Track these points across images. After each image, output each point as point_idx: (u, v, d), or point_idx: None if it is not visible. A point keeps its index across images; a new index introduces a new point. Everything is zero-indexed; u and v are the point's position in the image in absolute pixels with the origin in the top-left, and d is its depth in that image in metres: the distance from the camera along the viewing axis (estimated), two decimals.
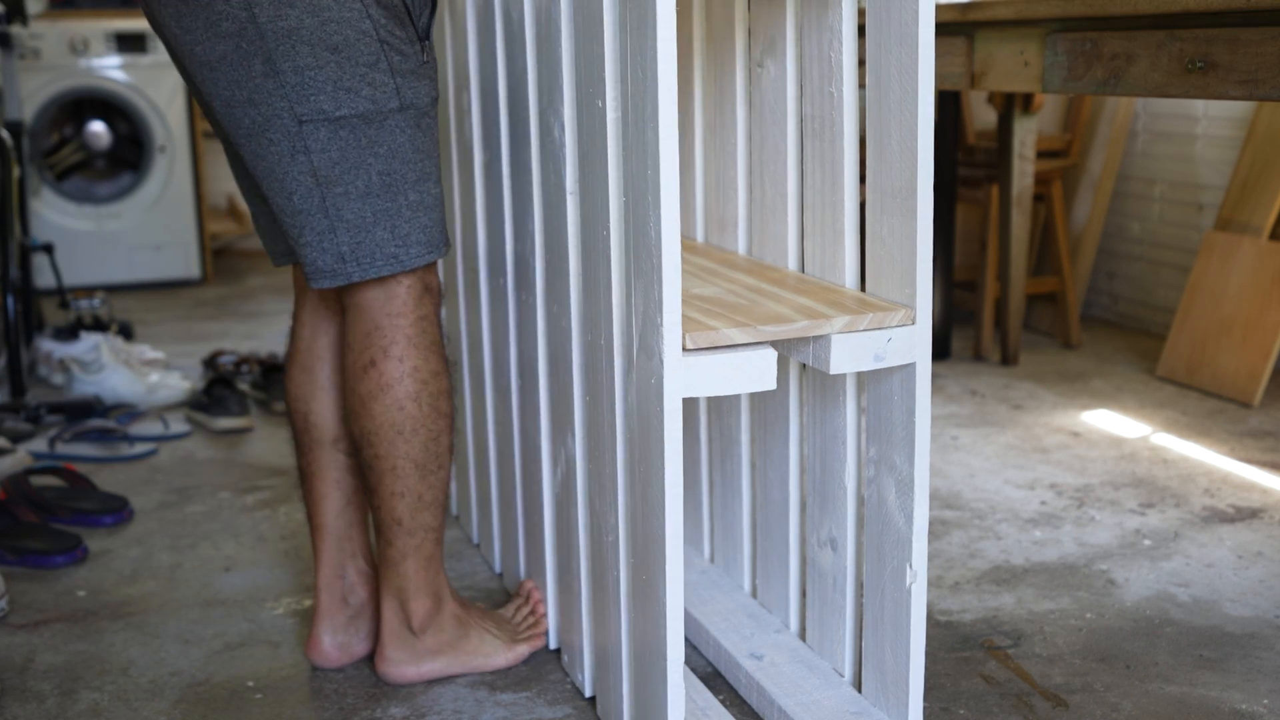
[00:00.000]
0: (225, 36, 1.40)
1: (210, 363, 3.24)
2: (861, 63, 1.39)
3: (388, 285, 1.53)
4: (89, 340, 3.20)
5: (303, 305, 1.69)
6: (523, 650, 1.71)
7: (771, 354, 1.27)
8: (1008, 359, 3.26)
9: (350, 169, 1.45)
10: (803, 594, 1.67)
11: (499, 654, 1.69)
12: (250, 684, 1.68)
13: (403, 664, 1.65)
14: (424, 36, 1.50)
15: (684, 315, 1.30)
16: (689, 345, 1.25)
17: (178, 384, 3.04)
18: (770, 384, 1.27)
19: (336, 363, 1.68)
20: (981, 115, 3.85)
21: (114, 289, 4.52)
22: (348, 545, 1.72)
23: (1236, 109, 3.20)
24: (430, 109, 1.51)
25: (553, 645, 1.75)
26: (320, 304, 1.67)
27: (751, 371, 1.27)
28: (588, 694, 1.62)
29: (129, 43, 4.42)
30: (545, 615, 1.74)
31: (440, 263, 1.60)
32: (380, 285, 1.53)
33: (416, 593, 1.64)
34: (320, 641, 1.70)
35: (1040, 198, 3.58)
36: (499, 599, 1.92)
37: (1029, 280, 3.37)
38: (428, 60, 1.51)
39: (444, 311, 2.15)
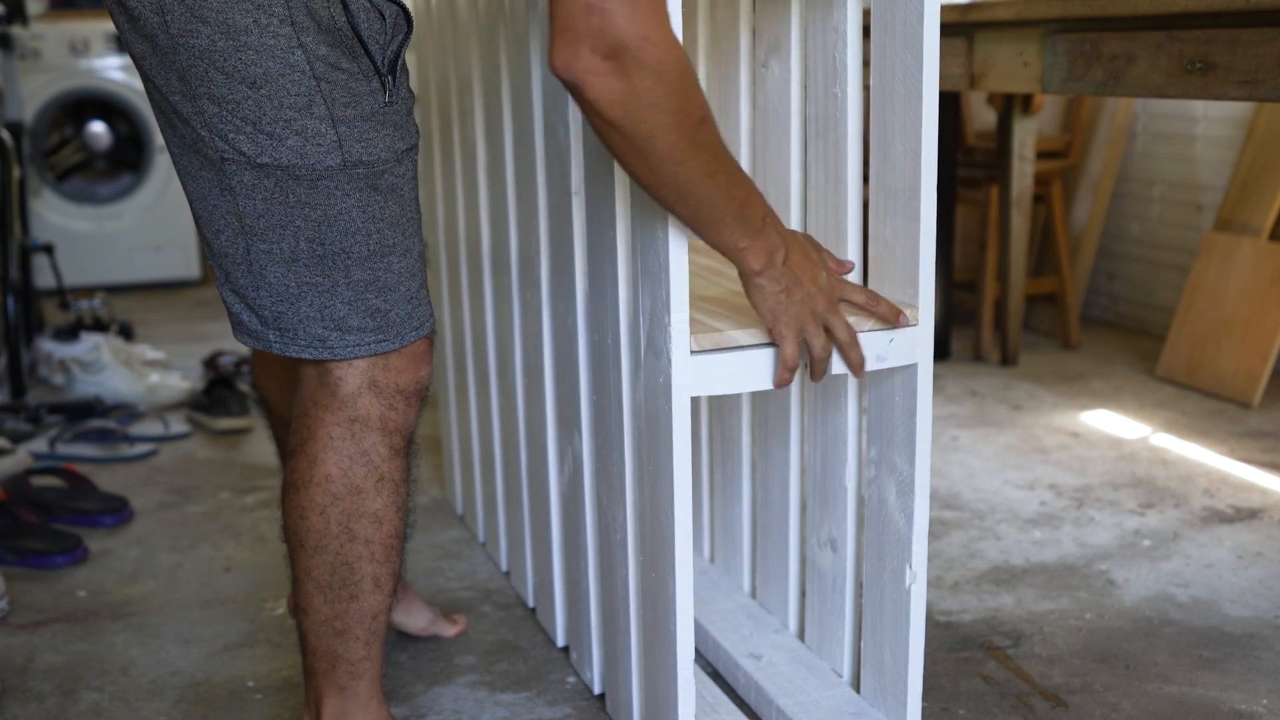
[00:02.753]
0: (144, 37, 1.16)
1: (210, 363, 3.24)
2: (866, 63, 1.39)
3: (321, 367, 1.26)
4: (89, 341, 3.20)
5: None
6: None
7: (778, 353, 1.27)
8: (1007, 359, 3.26)
9: (276, 226, 1.18)
10: (802, 594, 1.67)
11: None
12: (250, 684, 1.68)
13: None
14: (387, 70, 1.18)
15: (690, 317, 1.31)
16: (694, 348, 1.25)
17: (178, 384, 3.04)
18: None
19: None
20: (981, 116, 3.85)
21: (114, 289, 4.52)
22: None
23: (1236, 109, 3.21)
24: (397, 163, 1.21)
25: (560, 643, 1.75)
26: None
27: (759, 370, 1.27)
28: (597, 691, 1.62)
29: None
30: None
31: (422, 354, 1.31)
32: (317, 367, 1.26)
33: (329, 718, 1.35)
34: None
35: (1040, 198, 3.59)
36: (505, 599, 1.92)
37: (1029, 281, 3.38)
38: (392, 101, 1.19)
39: (444, 306, 2.15)
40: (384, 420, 1.27)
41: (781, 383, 1.26)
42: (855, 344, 1.26)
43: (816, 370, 1.27)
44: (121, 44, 1.35)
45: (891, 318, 1.29)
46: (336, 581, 1.29)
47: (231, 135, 1.15)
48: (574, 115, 1.44)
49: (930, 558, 2.03)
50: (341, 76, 1.14)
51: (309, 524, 1.28)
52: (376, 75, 1.17)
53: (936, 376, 3.13)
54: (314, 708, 1.36)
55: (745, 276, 1.22)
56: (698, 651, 1.71)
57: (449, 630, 1.80)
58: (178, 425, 2.83)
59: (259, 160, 1.15)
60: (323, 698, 1.35)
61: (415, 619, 1.78)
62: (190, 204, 1.24)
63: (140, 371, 3.06)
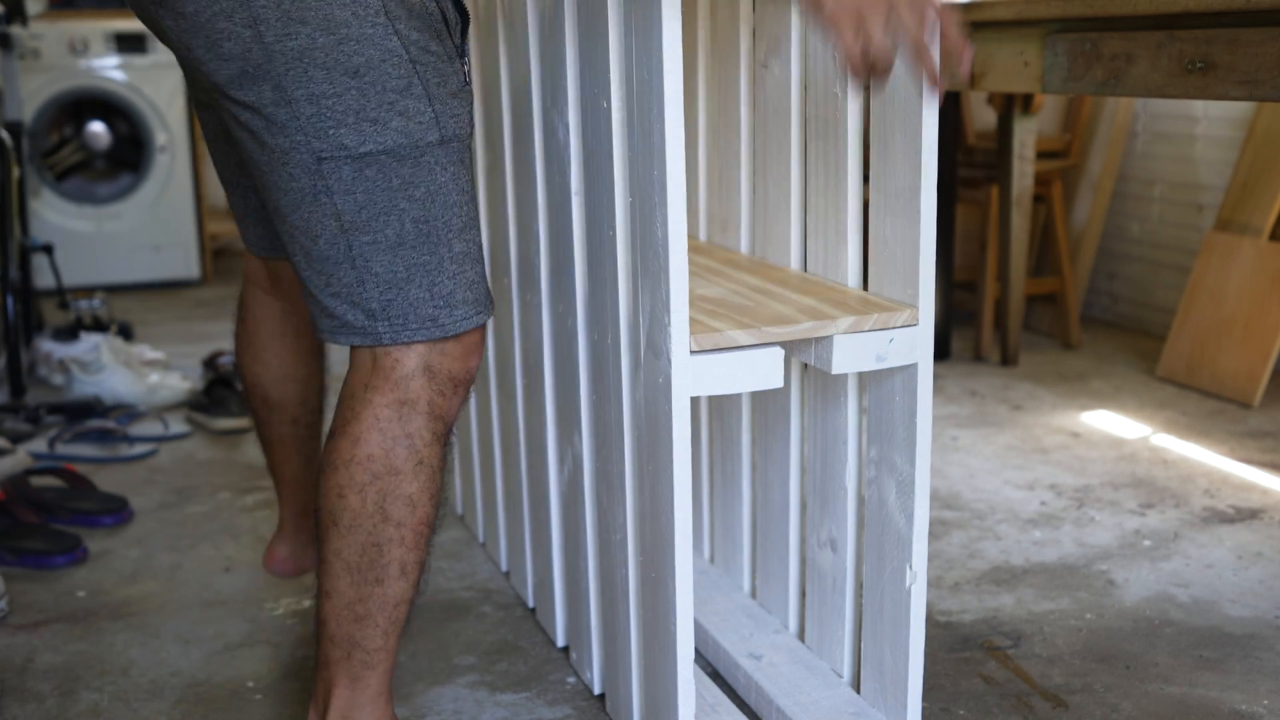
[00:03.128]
0: (230, 59, 1.19)
1: (210, 363, 3.24)
2: None
3: (378, 355, 1.29)
4: (89, 341, 3.20)
5: (249, 292, 1.70)
6: None
7: (779, 353, 1.27)
8: (1007, 359, 3.26)
9: (380, 214, 1.23)
10: (802, 594, 1.67)
11: None
12: (250, 684, 1.68)
13: None
14: (463, 53, 1.28)
15: (689, 317, 1.31)
16: (694, 348, 1.25)
17: (177, 384, 3.04)
18: (777, 382, 1.28)
19: (286, 343, 1.70)
20: (981, 116, 3.85)
21: (114, 289, 4.52)
22: (311, 490, 1.77)
23: (1236, 109, 3.21)
24: (469, 139, 1.30)
25: (560, 643, 1.75)
26: (266, 289, 1.69)
27: (759, 370, 1.27)
28: (597, 691, 1.62)
29: (129, 43, 4.41)
30: None
31: (480, 344, 1.35)
32: (370, 352, 1.30)
33: (337, 712, 1.35)
34: (276, 553, 1.84)
35: (1040, 198, 3.58)
36: (505, 599, 1.92)
37: (1029, 281, 3.38)
38: (468, 81, 1.29)
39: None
40: (432, 405, 1.30)
41: (854, 72, 1.13)
42: (926, 37, 1.11)
43: (879, 65, 1.11)
44: (191, 89, 1.41)
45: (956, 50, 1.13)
46: (365, 563, 1.30)
47: (332, 131, 1.19)
48: (573, 115, 1.44)
49: (930, 558, 2.03)
50: (431, 58, 1.22)
51: (346, 502, 1.29)
52: (457, 56, 1.26)
53: (936, 376, 3.13)
54: (323, 701, 1.36)
55: None
56: (698, 651, 1.71)
57: None
58: (177, 425, 2.83)
59: (361, 150, 1.20)
60: (333, 689, 1.34)
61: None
62: (282, 220, 1.27)
63: (140, 371, 3.06)
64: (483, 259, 1.32)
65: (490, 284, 1.86)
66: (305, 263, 1.27)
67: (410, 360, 1.28)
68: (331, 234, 1.24)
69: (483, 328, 1.34)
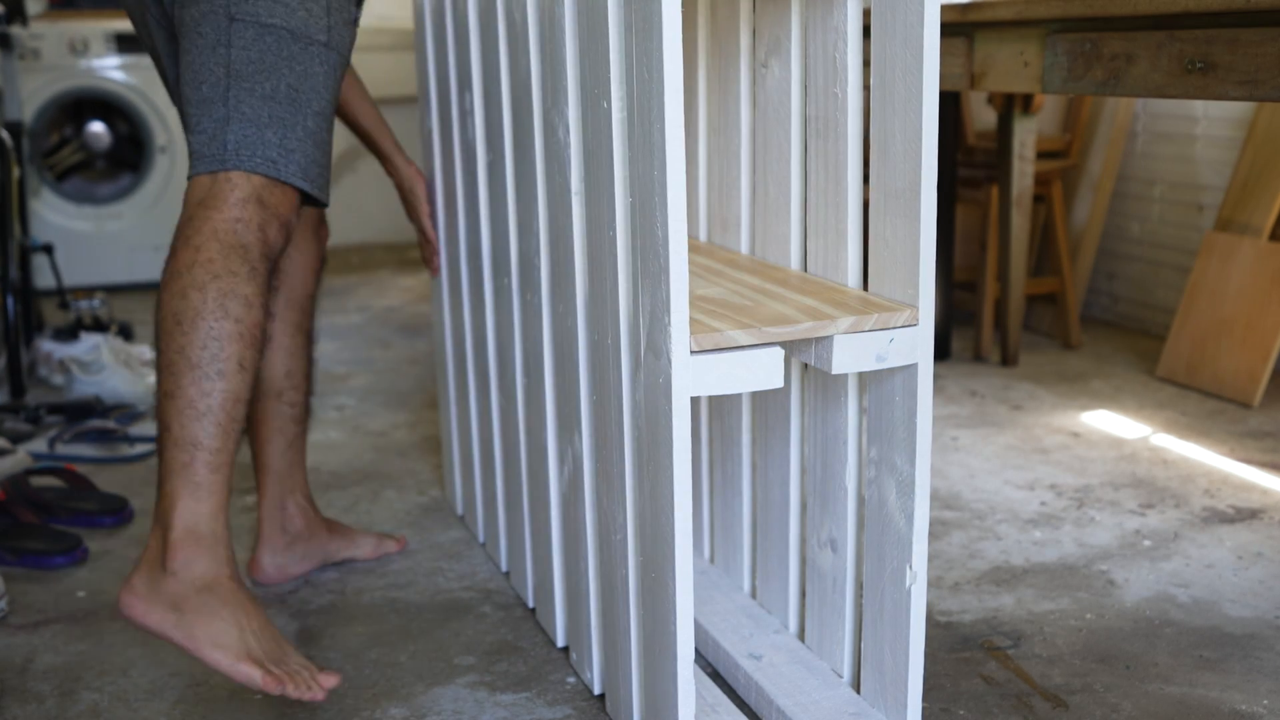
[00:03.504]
0: None
1: None
2: (866, 63, 1.39)
3: (218, 179, 1.49)
4: (89, 341, 3.20)
5: None
6: (254, 674, 1.40)
7: (779, 353, 1.27)
8: (1007, 359, 3.26)
9: (262, 71, 1.50)
10: (802, 595, 1.67)
11: (228, 657, 1.40)
12: None
13: (135, 600, 1.43)
14: (359, 1, 1.63)
15: (689, 317, 1.31)
16: (694, 348, 1.25)
17: None
18: (777, 382, 1.28)
19: (281, 325, 1.85)
20: (981, 116, 3.85)
21: (114, 289, 4.52)
22: (288, 482, 1.93)
23: (1236, 109, 3.21)
24: (345, 64, 1.61)
25: (560, 644, 1.75)
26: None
27: (759, 370, 1.27)
28: (596, 691, 1.62)
29: (129, 43, 4.42)
30: (314, 686, 1.44)
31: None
32: (211, 177, 1.49)
33: (180, 526, 1.41)
34: (261, 562, 1.95)
35: (1040, 198, 3.59)
36: (505, 599, 1.92)
37: (1029, 281, 3.38)
38: (355, 22, 1.63)
39: (444, 306, 2.15)
40: (262, 229, 1.50)
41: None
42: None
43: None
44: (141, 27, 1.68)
45: None
46: (208, 357, 1.44)
47: (252, 3, 1.50)
48: (573, 115, 1.44)
49: (930, 558, 2.03)
50: None
51: (188, 301, 1.44)
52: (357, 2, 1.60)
53: (936, 376, 3.13)
54: (163, 522, 1.44)
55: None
56: (698, 651, 1.71)
57: (393, 547, 2.08)
58: None
59: (268, 21, 1.50)
60: (175, 503, 1.42)
61: (361, 547, 2.05)
62: (185, 69, 1.54)
63: (140, 371, 3.06)
64: (326, 152, 1.58)
65: (492, 284, 1.87)
66: (189, 107, 1.52)
67: (246, 186, 1.50)
68: (217, 78, 1.50)
69: (301, 196, 1.57)
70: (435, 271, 1.97)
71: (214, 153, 1.49)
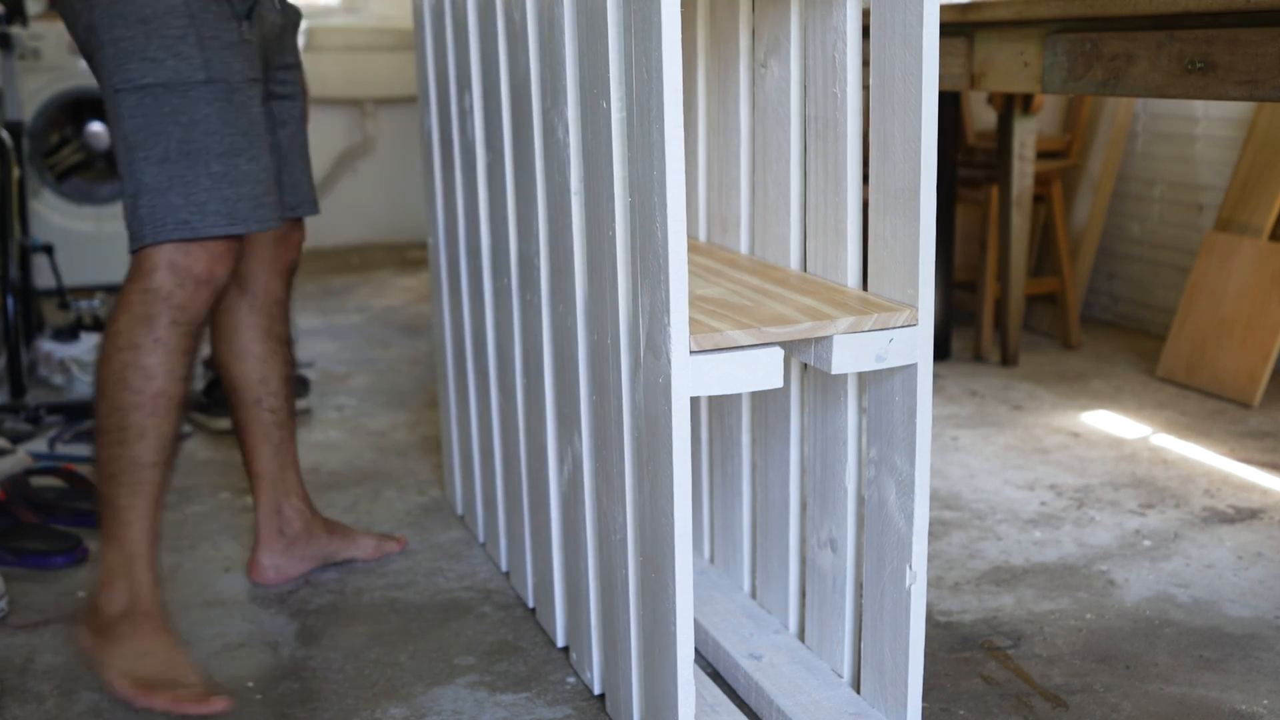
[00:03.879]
0: (78, 23, 1.58)
1: (210, 363, 3.24)
2: (866, 63, 1.39)
3: (137, 255, 1.58)
4: (89, 341, 3.20)
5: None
6: (131, 693, 1.57)
7: (779, 353, 1.27)
8: (1007, 359, 3.26)
9: (152, 135, 1.54)
10: (802, 595, 1.67)
11: (117, 679, 1.58)
12: (250, 684, 1.68)
13: (82, 630, 1.65)
14: (244, 16, 1.59)
15: (689, 317, 1.31)
16: (693, 348, 1.25)
17: None
18: (777, 382, 1.28)
19: (250, 332, 1.88)
20: (981, 116, 3.85)
21: (114, 290, 4.52)
22: (281, 485, 1.96)
23: (1236, 109, 3.21)
24: (245, 85, 1.59)
25: (560, 644, 1.75)
26: (234, 281, 1.85)
27: (759, 370, 1.27)
28: (596, 691, 1.62)
29: None
30: (200, 705, 1.56)
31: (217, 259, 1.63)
32: (133, 254, 1.59)
33: (104, 569, 1.64)
34: (260, 564, 1.98)
35: (1040, 198, 3.58)
36: (505, 599, 1.92)
37: (1029, 281, 3.38)
38: (247, 39, 1.59)
39: (444, 306, 2.15)
40: (172, 295, 1.57)
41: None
42: None
43: None
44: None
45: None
46: (112, 425, 1.59)
47: (124, 66, 1.52)
48: (573, 115, 1.44)
49: (930, 558, 2.03)
50: (209, 16, 1.54)
51: (100, 373, 1.60)
52: (243, 18, 1.58)
53: (936, 376, 3.13)
54: (100, 563, 1.65)
55: None
56: (698, 652, 1.71)
57: (394, 547, 2.10)
58: None
59: (141, 82, 1.52)
60: (102, 550, 1.64)
61: (361, 548, 2.07)
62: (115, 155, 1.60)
63: None
64: (249, 183, 1.59)
65: (492, 284, 1.87)
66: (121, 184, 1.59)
67: (156, 256, 1.56)
68: (122, 152, 1.55)
69: (233, 238, 1.61)
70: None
71: (133, 229, 1.57)
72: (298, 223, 1.92)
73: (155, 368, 1.57)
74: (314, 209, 1.90)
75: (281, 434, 1.94)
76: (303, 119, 1.86)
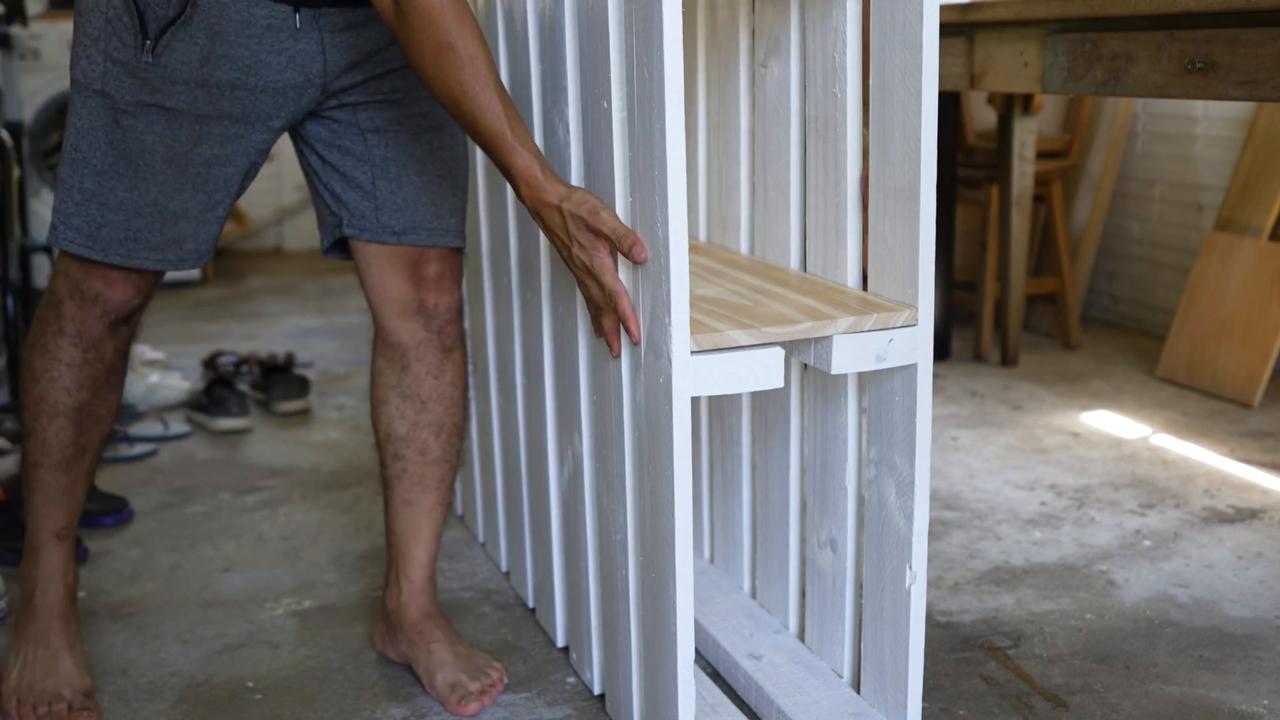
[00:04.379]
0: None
1: (210, 363, 3.24)
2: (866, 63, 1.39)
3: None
4: None
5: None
6: (8, 707, 1.56)
7: (779, 353, 1.27)
8: (1007, 360, 3.26)
9: (64, 127, 1.59)
10: (802, 595, 1.67)
11: (4, 688, 1.57)
12: (250, 684, 1.68)
13: None
14: (152, 39, 1.39)
15: (690, 317, 1.31)
16: (694, 348, 1.25)
17: (178, 384, 3.04)
18: (778, 382, 1.28)
19: (379, 379, 1.65)
20: (981, 116, 3.85)
21: None
22: (401, 553, 1.71)
23: (1236, 109, 3.21)
24: (140, 111, 1.42)
25: (560, 644, 1.75)
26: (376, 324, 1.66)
27: (759, 370, 1.27)
28: (597, 691, 1.62)
29: None
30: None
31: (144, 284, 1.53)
32: None
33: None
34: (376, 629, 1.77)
35: (1040, 198, 3.58)
36: (505, 599, 1.92)
37: (1029, 281, 3.38)
38: (150, 63, 1.40)
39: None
40: (63, 304, 1.52)
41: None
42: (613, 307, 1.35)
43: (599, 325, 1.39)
44: None
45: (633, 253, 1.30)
46: (26, 442, 1.58)
47: (73, 54, 1.46)
48: (573, 115, 1.44)
49: (930, 558, 2.03)
50: (119, 29, 1.41)
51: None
52: (142, 39, 1.40)
53: (936, 376, 3.13)
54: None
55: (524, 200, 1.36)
56: (698, 652, 1.71)
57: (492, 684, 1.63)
58: (177, 425, 2.83)
59: (72, 76, 1.46)
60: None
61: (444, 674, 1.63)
62: None
63: (140, 371, 3.06)
64: (123, 213, 1.46)
65: (492, 284, 1.87)
66: None
67: (61, 262, 1.52)
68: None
69: (138, 272, 1.50)
70: (633, 339, 1.36)
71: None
72: (433, 254, 1.58)
73: (40, 371, 1.54)
74: (442, 238, 1.57)
75: (416, 496, 1.67)
76: (416, 128, 1.54)
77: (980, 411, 2.86)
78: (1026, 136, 3.16)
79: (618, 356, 1.38)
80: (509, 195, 1.72)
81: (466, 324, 2.04)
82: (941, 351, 3.31)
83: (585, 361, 1.51)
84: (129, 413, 2.90)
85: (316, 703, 1.62)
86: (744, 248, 1.67)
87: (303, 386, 2.97)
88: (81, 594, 1.97)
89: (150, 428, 2.82)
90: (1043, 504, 2.28)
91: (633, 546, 1.43)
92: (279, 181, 5.35)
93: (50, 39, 4.34)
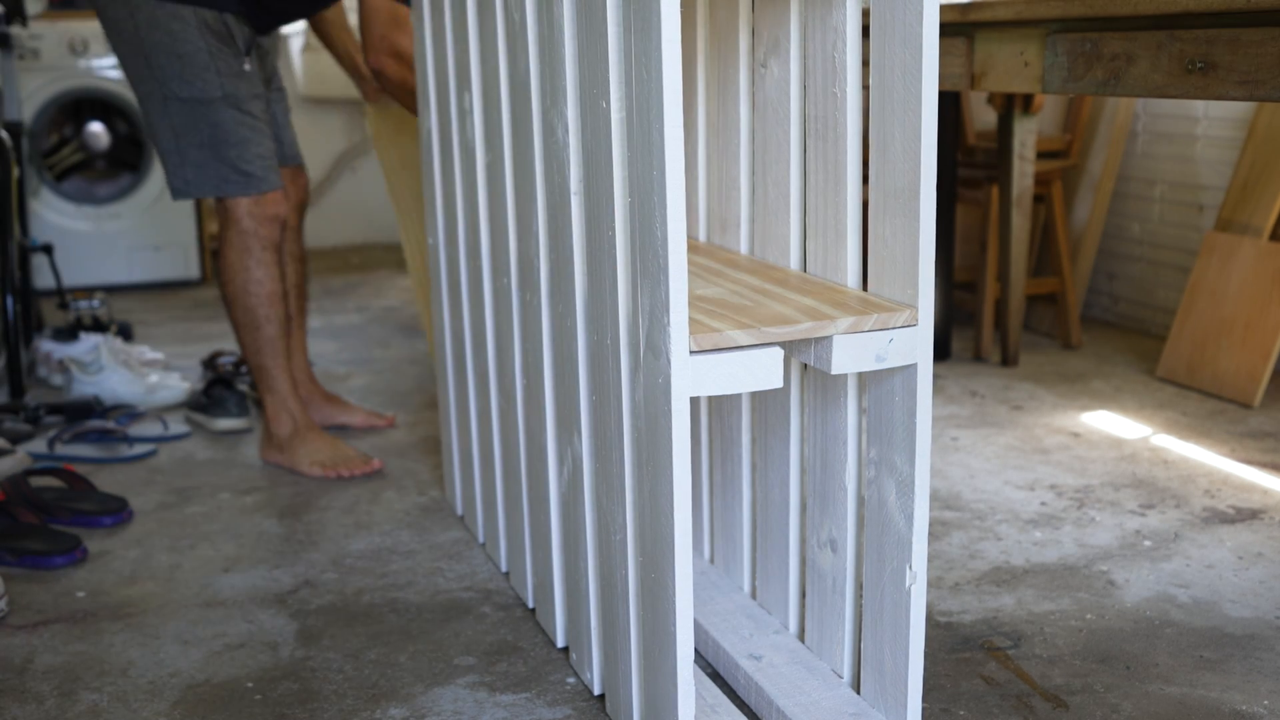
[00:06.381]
0: (124, 41, 2.33)
1: (209, 363, 3.24)
2: (865, 63, 1.39)
3: (221, 204, 2.43)
4: (88, 341, 3.20)
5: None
6: (318, 471, 2.50)
7: (779, 353, 1.27)
8: (1008, 360, 3.26)
9: (191, 128, 2.34)
10: (802, 595, 1.66)
11: (307, 467, 2.52)
12: (250, 684, 1.68)
13: (270, 453, 2.59)
14: (246, 52, 2.36)
15: (689, 317, 1.31)
16: (693, 348, 1.25)
17: (177, 385, 3.04)
18: (777, 382, 1.28)
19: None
20: (981, 116, 3.85)
21: (113, 289, 4.52)
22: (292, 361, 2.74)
23: (1236, 109, 3.21)
24: (249, 100, 2.36)
25: (560, 644, 1.75)
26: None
27: (758, 370, 1.27)
28: (596, 691, 1.62)
29: None
30: None
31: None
32: (219, 203, 2.44)
33: (270, 412, 2.58)
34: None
35: (1040, 198, 3.58)
36: (505, 599, 1.92)
37: (1029, 281, 3.38)
38: (250, 70, 2.37)
39: (443, 307, 2.15)
40: (257, 231, 2.42)
41: None
42: None
43: None
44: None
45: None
46: (246, 321, 2.47)
47: (169, 83, 2.32)
48: (573, 115, 1.44)
49: (930, 558, 2.03)
50: (224, 52, 2.33)
51: (226, 291, 2.48)
52: (244, 53, 2.37)
53: (936, 376, 3.13)
54: (265, 412, 2.56)
55: None
56: (698, 652, 1.71)
57: (382, 423, 2.80)
58: (177, 426, 2.83)
59: (181, 96, 2.32)
60: (265, 402, 2.53)
61: (352, 416, 2.79)
62: (154, 134, 2.40)
63: (139, 372, 3.06)
64: (257, 161, 2.38)
65: (491, 284, 1.87)
66: (157, 149, 2.41)
67: (240, 207, 2.41)
68: (168, 136, 2.37)
69: (275, 192, 2.44)
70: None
71: (182, 187, 2.44)
72: (300, 169, 2.71)
73: (264, 277, 2.43)
74: (301, 159, 2.75)
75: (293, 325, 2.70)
76: (285, 99, 2.71)
77: (980, 411, 2.86)
78: (1027, 136, 3.16)
79: None
80: (509, 195, 1.72)
81: (466, 323, 2.04)
82: (941, 351, 3.31)
83: (584, 362, 1.51)
84: (128, 413, 2.90)
85: (316, 703, 1.62)
86: (744, 248, 1.67)
87: None
88: (80, 594, 1.97)
89: (150, 428, 2.82)
90: (1043, 504, 2.28)
91: (632, 547, 1.42)
92: None
93: (50, 39, 4.34)
